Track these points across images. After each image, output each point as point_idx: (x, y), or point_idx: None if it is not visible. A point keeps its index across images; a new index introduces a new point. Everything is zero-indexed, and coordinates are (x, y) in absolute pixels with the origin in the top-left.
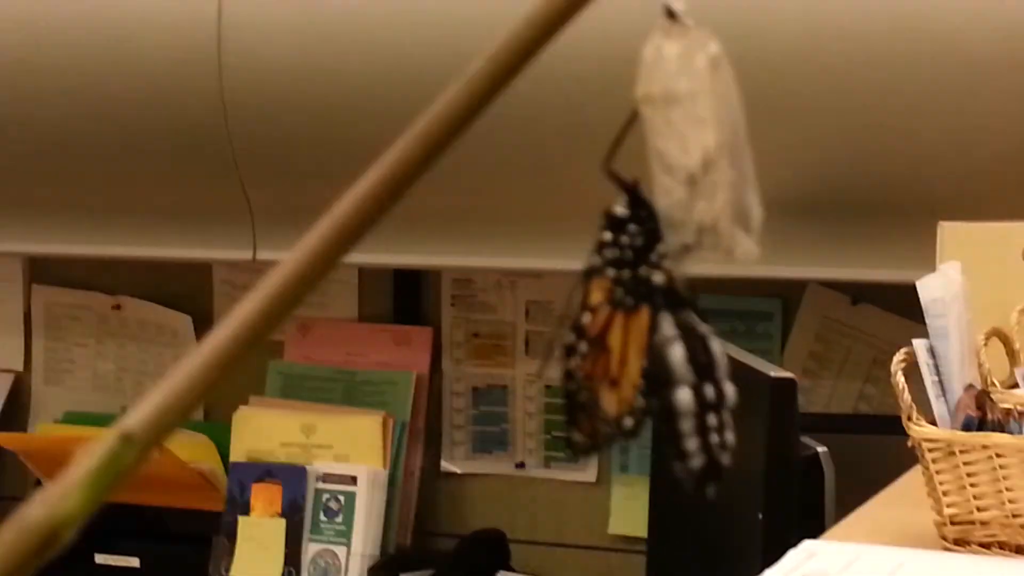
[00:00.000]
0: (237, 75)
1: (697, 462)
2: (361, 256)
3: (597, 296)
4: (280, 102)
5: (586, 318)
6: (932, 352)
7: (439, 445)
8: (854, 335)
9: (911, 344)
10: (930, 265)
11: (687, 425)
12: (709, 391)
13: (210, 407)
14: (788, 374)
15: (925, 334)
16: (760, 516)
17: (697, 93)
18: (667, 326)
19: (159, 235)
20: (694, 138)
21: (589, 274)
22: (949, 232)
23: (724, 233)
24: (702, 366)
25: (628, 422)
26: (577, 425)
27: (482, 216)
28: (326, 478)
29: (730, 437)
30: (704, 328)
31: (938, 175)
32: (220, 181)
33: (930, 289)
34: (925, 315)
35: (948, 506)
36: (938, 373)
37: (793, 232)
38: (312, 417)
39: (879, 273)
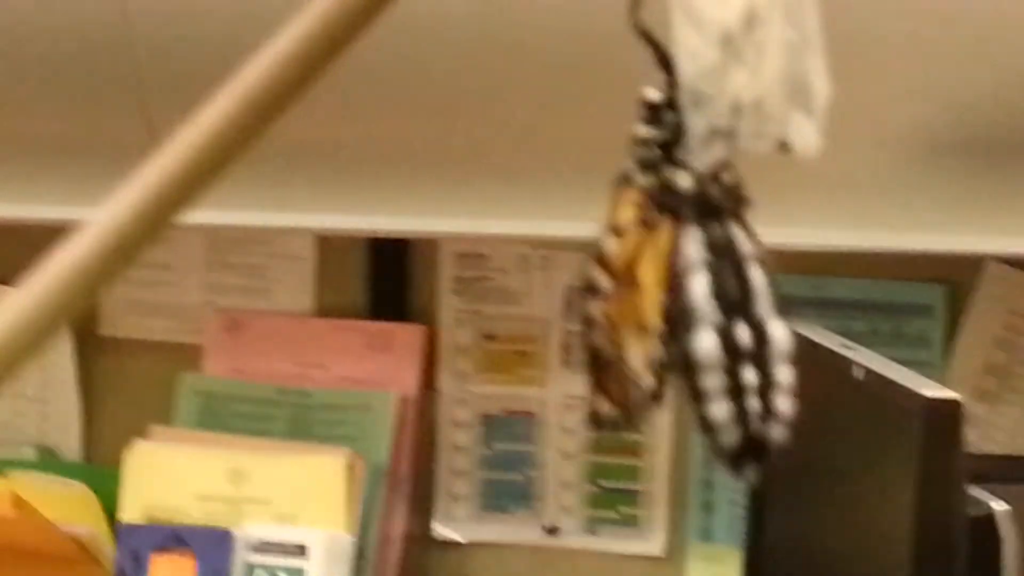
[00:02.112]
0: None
1: (730, 437)
2: (319, 218)
3: (626, 213)
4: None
5: (610, 244)
6: None
7: (432, 500)
8: None
9: None
10: None
11: (711, 383)
12: (743, 335)
13: (91, 443)
14: (951, 394)
15: None
16: None
17: None
18: (692, 247)
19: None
20: None
21: (621, 183)
22: None
23: (773, 115)
24: (734, 300)
25: (647, 381)
26: (604, 390)
27: (499, 161)
28: (262, 547)
29: (783, 402)
30: (747, 247)
31: None
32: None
33: None
34: None
35: None
36: None
37: (965, 186)
38: (243, 458)
39: None
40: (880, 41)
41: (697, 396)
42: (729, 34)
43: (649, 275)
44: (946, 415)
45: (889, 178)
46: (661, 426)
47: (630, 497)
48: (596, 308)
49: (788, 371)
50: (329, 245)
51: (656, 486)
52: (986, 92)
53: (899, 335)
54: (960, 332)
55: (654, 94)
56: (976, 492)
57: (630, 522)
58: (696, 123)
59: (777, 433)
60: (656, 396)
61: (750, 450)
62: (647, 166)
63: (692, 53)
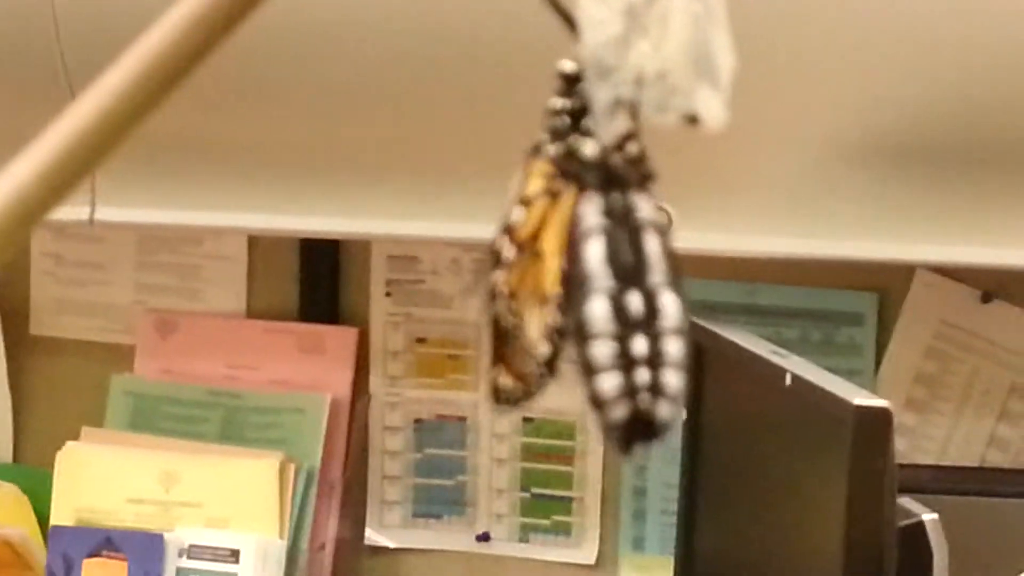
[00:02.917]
0: None
1: (619, 412)
2: (251, 218)
3: (536, 184)
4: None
5: (517, 214)
6: None
7: (364, 505)
8: (984, 349)
9: None
10: None
11: (601, 352)
12: (635, 302)
13: (22, 444)
14: (881, 402)
15: None
16: None
17: None
18: (590, 213)
19: None
20: None
21: (532, 154)
22: None
23: (678, 87)
24: (628, 267)
25: (543, 349)
26: (505, 363)
27: (432, 163)
28: (194, 552)
29: (673, 378)
30: (646, 215)
31: None
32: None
33: None
34: None
35: None
36: None
37: (896, 194)
38: (175, 460)
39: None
40: (811, 49)
41: (587, 368)
42: (632, 4)
43: (550, 244)
44: (876, 423)
45: (820, 186)
46: (594, 433)
47: (562, 505)
48: (499, 279)
49: (679, 345)
50: (261, 246)
51: (588, 494)
52: (917, 101)
53: (830, 343)
54: (890, 340)
55: (569, 65)
56: (906, 501)
57: (562, 530)
58: (600, 93)
59: (666, 410)
60: (550, 366)
61: (639, 427)
62: (557, 136)
63: (596, 23)
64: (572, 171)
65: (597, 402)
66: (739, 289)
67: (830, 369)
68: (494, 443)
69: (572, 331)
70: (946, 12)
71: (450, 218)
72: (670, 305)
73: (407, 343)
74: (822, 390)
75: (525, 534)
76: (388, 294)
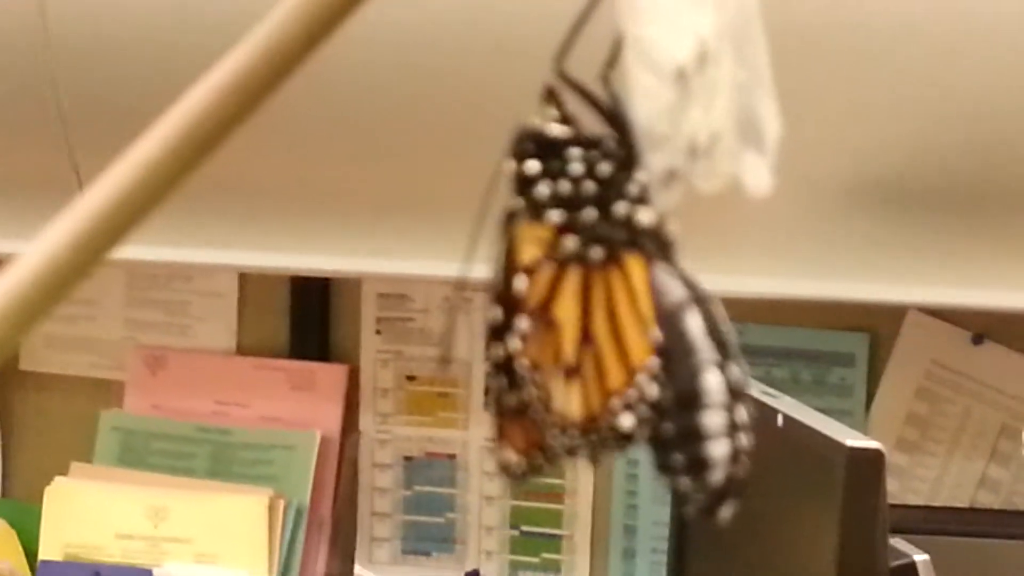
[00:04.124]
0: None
1: (719, 475)
2: (241, 256)
3: (531, 251)
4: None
5: (520, 283)
6: None
7: (353, 542)
8: (976, 390)
9: None
10: None
11: (715, 423)
12: (735, 373)
13: (11, 479)
14: (873, 444)
15: None
16: None
17: None
18: (674, 284)
19: None
20: (686, 20)
21: (510, 221)
22: None
23: (726, 153)
24: (721, 338)
25: (626, 421)
26: (507, 438)
27: (422, 202)
28: None
29: (747, 441)
30: (705, 287)
31: None
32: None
33: None
34: None
35: None
36: None
37: (887, 235)
38: (163, 496)
39: (1015, 298)
40: (801, 90)
41: (693, 437)
42: (684, 73)
43: (567, 312)
44: (867, 464)
45: (811, 226)
46: (583, 472)
47: (552, 542)
48: (508, 349)
49: (745, 409)
50: (251, 283)
51: (578, 532)
52: (909, 143)
53: (821, 383)
54: (881, 381)
55: (557, 129)
56: (897, 542)
57: (552, 568)
58: (654, 162)
59: (744, 470)
60: (629, 440)
61: (732, 486)
62: (575, 202)
63: (648, 93)
64: (623, 240)
65: (698, 466)
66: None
67: (821, 410)
68: (484, 481)
69: (672, 401)
70: (938, 57)
71: (440, 257)
72: (740, 373)
73: (397, 380)
74: (814, 431)
75: (515, 572)
76: (378, 332)
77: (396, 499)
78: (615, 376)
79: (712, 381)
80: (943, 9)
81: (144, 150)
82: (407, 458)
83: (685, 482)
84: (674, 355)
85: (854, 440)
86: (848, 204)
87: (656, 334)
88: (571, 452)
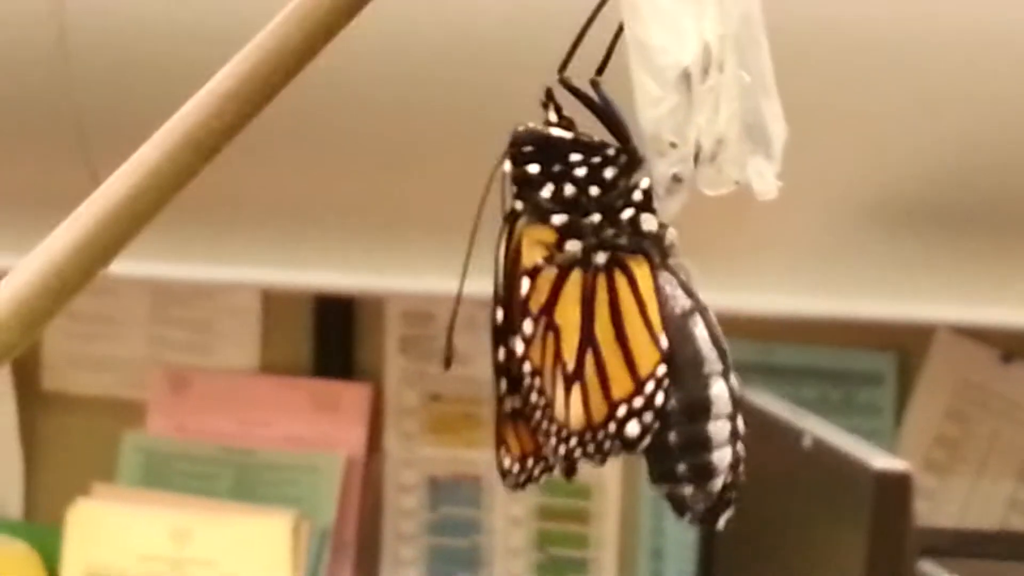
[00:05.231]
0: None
1: (719, 483)
2: (265, 273)
3: (534, 253)
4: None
5: (525, 285)
6: None
7: (378, 564)
8: (1006, 410)
9: None
10: None
11: (721, 430)
12: (736, 383)
13: (33, 500)
14: (901, 466)
15: None
16: None
17: None
18: (680, 292)
19: None
20: (690, 25)
21: (512, 221)
22: None
23: (732, 159)
24: (722, 349)
25: (633, 429)
26: (506, 443)
27: (448, 219)
28: None
29: (743, 448)
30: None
31: None
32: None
33: None
34: None
35: None
36: None
37: (915, 253)
38: (187, 518)
39: None
40: (830, 107)
41: (698, 445)
42: (686, 77)
43: (567, 317)
44: (896, 487)
45: (839, 244)
46: (610, 494)
47: (579, 565)
48: (503, 353)
49: (741, 419)
50: (275, 301)
51: (605, 555)
52: (936, 158)
53: (849, 403)
54: (911, 401)
55: (558, 132)
56: (926, 566)
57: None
58: (658, 170)
59: (742, 478)
60: (634, 446)
61: (729, 496)
62: (574, 204)
63: (650, 98)
64: (625, 246)
65: (703, 474)
66: (756, 349)
67: (849, 430)
68: (510, 503)
69: (679, 410)
70: (966, 71)
71: (470, 274)
72: (735, 380)
73: (422, 400)
74: (841, 452)
75: None
76: (403, 350)
77: (421, 521)
78: (621, 383)
79: (721, 391)
80: (969, 23)
81: (145, 156)
82: (432, 479)
83: (688, 490)
84: (682, 364)
85: (882, 462)
86: (876, 221)
87: (665, 342)
88: (569, 459)
